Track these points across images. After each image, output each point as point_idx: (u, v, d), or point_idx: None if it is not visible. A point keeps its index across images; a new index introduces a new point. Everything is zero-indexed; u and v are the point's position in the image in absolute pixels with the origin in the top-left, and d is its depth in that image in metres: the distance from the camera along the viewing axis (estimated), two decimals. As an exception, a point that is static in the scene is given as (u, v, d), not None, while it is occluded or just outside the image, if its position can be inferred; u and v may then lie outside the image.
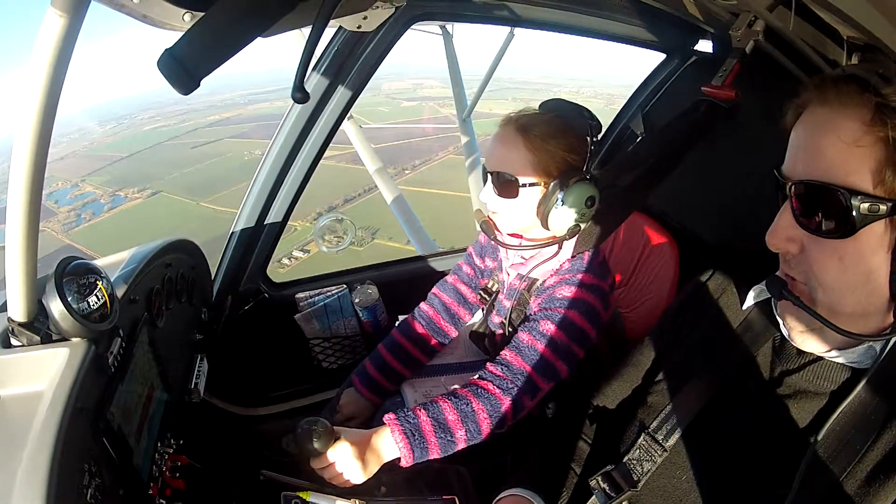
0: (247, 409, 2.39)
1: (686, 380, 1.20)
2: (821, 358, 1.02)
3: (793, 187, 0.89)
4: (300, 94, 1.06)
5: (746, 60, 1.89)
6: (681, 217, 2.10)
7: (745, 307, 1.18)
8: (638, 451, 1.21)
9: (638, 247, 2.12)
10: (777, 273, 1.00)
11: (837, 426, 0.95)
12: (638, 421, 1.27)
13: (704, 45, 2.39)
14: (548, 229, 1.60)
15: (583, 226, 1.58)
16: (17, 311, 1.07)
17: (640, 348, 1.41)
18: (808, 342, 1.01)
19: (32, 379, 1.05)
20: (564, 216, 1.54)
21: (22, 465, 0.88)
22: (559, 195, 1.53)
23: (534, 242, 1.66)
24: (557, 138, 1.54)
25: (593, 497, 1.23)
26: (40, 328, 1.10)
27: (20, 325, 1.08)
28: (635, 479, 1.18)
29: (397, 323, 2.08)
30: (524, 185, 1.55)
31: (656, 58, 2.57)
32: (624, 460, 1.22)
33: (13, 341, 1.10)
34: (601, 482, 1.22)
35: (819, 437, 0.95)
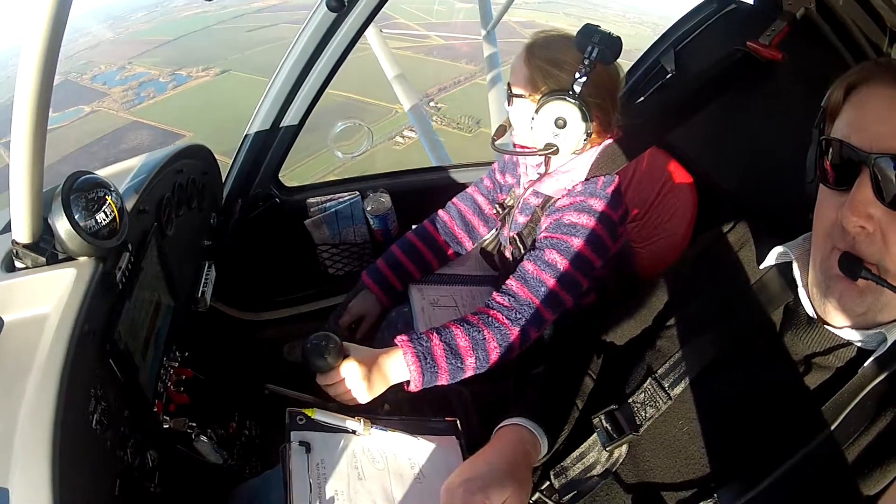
0: (251, 314, 2.41)
1: (697, 331, 1.20)
2: (830, 331, 1.02)
3: (876, 161, 0.85)
4: (336, 1, 0.97)
5: (795, 25, 1.87)
6: (706, 163, 2.05)
7: (762, 266, 1.16)
8: (643, 394, 1.21)
9: (658, 181, 2.08)
10: (846, 250, 0.94)
11: (841, 401, 0.96)
12: (645, 364, 1.28)
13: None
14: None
15: (561, 147, 1.58)
16: (22, 231, 1.02)
17: (653, 290, 1.40)
18: (838, 317, 1.00)
19: (37, 302, 1.02)
20: (540, 131, 1.57)
21: (28, 392, 0.87)
22: (534, 109, 1.56)
23: (523, 149, 1.70)
24: (556, 58, 1.55)
25: (594, 435, 1.23)
26: (45, 248, 1.06)
27: (24, 246, 1.04)
28: (638, 422, 1.19)
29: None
30: (516, 96, 1.61)
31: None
32: (628, 402, 1.23)
33: (17, 264, 1.06)
34: (604, 421, 1.22)
35: (822, 410, 0.96)
